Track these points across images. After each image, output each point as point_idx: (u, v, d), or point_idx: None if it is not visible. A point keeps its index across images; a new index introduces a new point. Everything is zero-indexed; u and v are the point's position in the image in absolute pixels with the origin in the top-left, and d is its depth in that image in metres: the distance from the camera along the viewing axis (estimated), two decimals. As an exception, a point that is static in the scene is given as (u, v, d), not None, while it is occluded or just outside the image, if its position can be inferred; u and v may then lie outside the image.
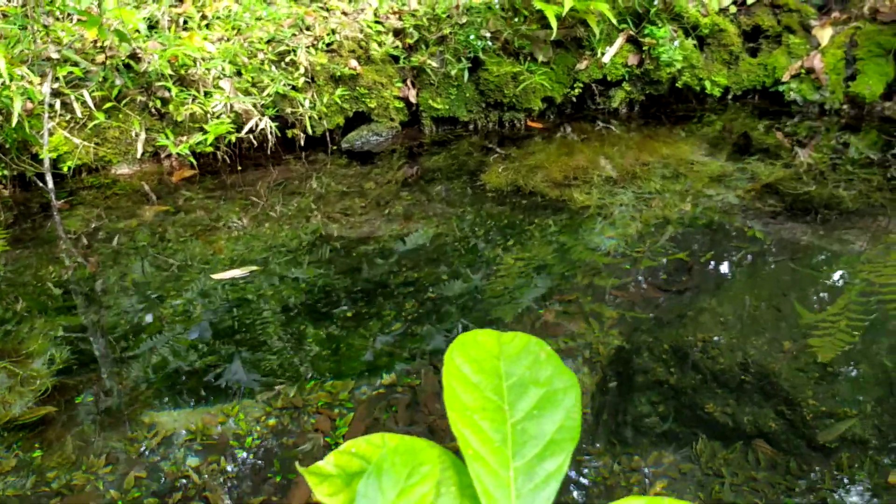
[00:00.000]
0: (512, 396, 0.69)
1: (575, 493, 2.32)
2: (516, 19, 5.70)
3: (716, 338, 2.68)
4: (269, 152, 5.21)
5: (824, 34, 5.82)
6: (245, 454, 2.61)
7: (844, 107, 5.65)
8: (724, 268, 3.51)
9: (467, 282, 3.55)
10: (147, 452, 2.62)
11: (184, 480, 2.49)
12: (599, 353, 2.94)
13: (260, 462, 2.57)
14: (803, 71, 5.78)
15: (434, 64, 5.58)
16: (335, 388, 2.92)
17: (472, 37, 5.50)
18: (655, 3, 5.80)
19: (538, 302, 3.36)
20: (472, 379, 0.70)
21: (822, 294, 3.15)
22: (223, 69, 5.02)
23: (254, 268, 3.72)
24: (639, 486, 2.30)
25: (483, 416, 0.68)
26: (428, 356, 3.07)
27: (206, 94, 4.97)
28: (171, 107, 4.93)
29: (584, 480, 2.37)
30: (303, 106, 5.19)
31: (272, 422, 2.77)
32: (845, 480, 2.21)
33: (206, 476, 2.51)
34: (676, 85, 6.04)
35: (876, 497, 2.16)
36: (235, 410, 2.81)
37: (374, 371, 3.00)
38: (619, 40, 5.88)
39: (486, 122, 5.83)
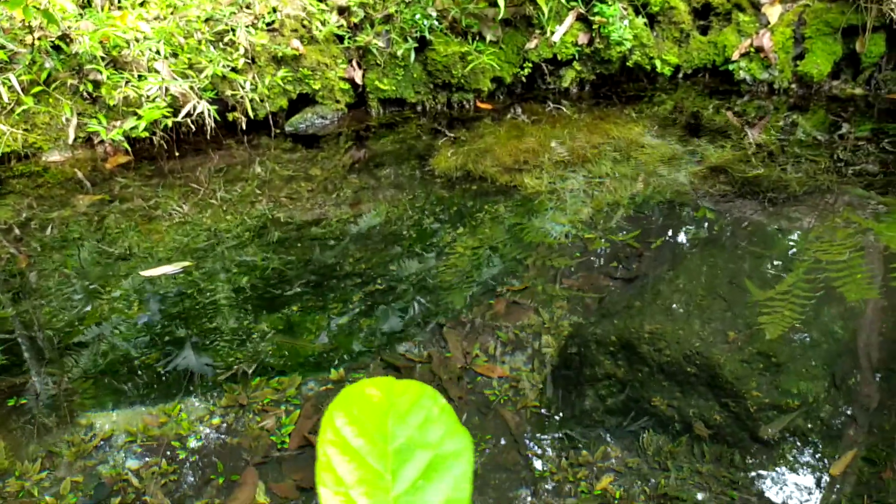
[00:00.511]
0: (397, 463, 0.62)
1: (523, 490, 2.36)
2: (464, -3, 5.68)
3: (663, 329, 2.74)
4: (208, 137, 5.13)
5: (773, 12, 5.92)
6: (187, 455, 2.59)
7: (793, 86, 5.77)
8: (674, 254, 3.58)
9: (417, 271, 3.55)
10: (84, 456, 2.59)
11: (123, 484, 2.47)
12: (549, 345, 2.98)
13: (203, 463, 2.56)
14: (752, 49, 5.88)
15: (380, 44, 5.54)
16: (282, 385, 2.91)
17: (418, 16, 5.47)
18: (605, -20, 5.83)
19: (489, 291, 3.38)
20: (354, 443, 0.63)
21: (771, 272, 3.23)
22: (158, 50, 4.91)
23: (186, 263, 3.66)
24: (586, 480, 2.35)
25: (363, 491, 0.61)
26: (376, 349, 3.07)
27: (140, 76, 4.86)
28: (103, 90, 4.81)
29: (532, 476, 2.41)
30: (243, 88, 5.11)
31: (216, 421, 2.75)
32: (788, 473, 2.29)
33: (146, 479, 2.49)
34: (627, 64, 6.09)
35: (818, 489, 2.25)
36: (177, 410, 2.79)
37: (322, 365, 3.00)
38: (569, 19, 5.91)
39: (434, 104, 5.81)
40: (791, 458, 2.34)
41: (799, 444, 2.39)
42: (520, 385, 2.78)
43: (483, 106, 5.85)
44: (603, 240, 3.71)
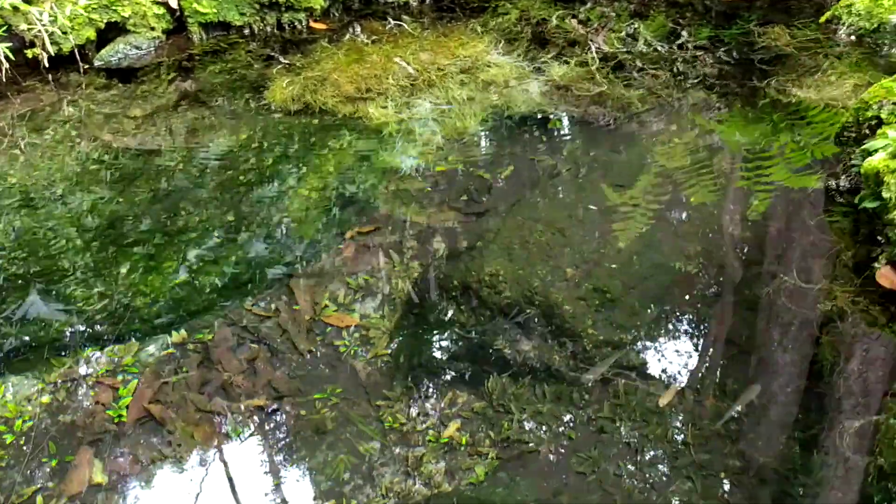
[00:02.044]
0: None
1: (373, 443, 2.52)
2: None
3: (505, 270, 2.94)
4: (5, 78, 4.83)
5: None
6: (14, 439, 2.58)
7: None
8: (521, 184, 3.76)
9: (259, 218, 3.58)
10: None
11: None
12: (399, 289, 3.12)
13: (32, 446, 2.55)
14: (596, -46, 6.05)
15: (197, -39, 5.33)
16: (117, 353, 2.91)
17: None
18: None
19: (337, 234, 3.46)
20: None
21: (616, 190, 3.50)
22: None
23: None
24: (434, 429, 2.53)
25: None
26: (220, 306, 3.11)
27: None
28: None
29: (382, 427, 2.56)
30: (40, 20, 4.82)
31: (46, 399, 2.73)
32: (622, 408, 2.56)
33: (-27, 471, 2.47)
34: (469, -27, 6.13)
35: (649, 420, 2.53)
36: (1, 391, 2.75)
37: (162, 328, 3.01)
38: (404, -74, 5.86)
39: (263, 26, 5.67)
40: (624, 394, 2.61)
41: (632, 379, 2.66)
42: (370, 334, 2.91)
43: (317, 26, 5.78)
44: (452, 172, 3.84)
